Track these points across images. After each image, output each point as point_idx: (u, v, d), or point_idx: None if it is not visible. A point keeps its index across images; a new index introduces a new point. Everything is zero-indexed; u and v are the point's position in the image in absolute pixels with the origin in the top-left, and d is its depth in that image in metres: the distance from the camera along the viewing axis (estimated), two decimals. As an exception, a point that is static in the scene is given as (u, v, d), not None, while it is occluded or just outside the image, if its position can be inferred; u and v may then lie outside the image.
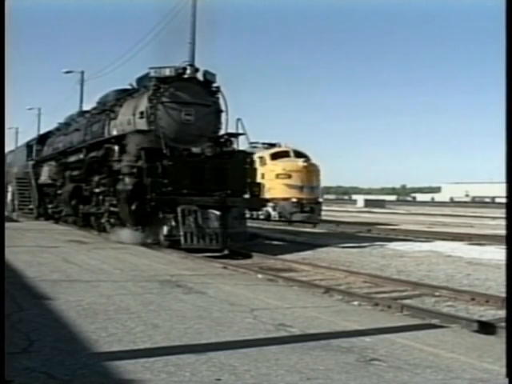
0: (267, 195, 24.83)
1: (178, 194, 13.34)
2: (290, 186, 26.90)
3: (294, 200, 26.52)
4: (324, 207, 30.70)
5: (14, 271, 7.87)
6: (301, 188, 26.94)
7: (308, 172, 27.25)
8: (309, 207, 26.81)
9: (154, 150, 13.69)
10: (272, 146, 30.15)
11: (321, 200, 29.40)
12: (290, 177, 27.00)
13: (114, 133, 15.86)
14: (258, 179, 24.23)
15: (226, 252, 13.37)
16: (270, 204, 25.82)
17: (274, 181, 26.65)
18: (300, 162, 27.26)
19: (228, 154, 14.81)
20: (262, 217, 26.89)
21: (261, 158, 27.10)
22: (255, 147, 32.92)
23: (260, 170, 25.36)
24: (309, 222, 25.72)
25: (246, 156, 15.14)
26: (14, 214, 25.66)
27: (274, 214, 27.55)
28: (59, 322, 4.98)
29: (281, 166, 27.32)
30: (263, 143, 32.93)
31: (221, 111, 14.93)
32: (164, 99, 14.31)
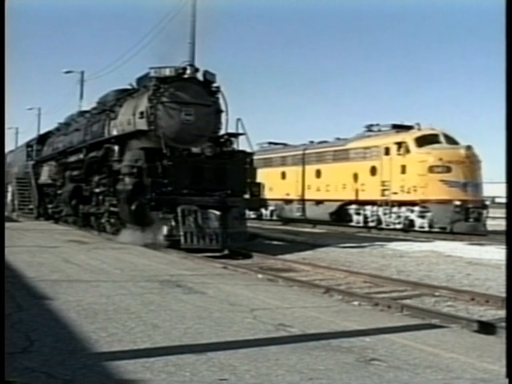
0: (411, 195, 20.71)
1: (178, 194, 13.34)
2: (450, 184, 20.18)
3: (457, 203, 19.75)
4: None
5: (14, 271, 7.86)
6: (464, 186, 20.19)
7: (471, 164, 20.62)
8: (476, 213, 20.07)
9: (154, 150, 13.69)
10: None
11: (487, 202, 22.00)
12: (449, 170, 20.23)
13: (114, 133, 15.86)
14: (396, 174, 21.36)
15: (226, 252, 13.37)
16: (416, 208, 20.75)
17: (426, 176, 20.22)
18: (462, 150, 20.53)
19: (228, 153, 14.81)
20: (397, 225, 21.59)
21: (399, 144, 21.51)
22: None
23: (398, 160, 21.58)
24: (474, 234, 19.46)
25: (246, 156, 15.13)
26: (14, 214, 25.66)
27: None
28: (59, 322, 4.98)
29: (435, 154, 20.45)
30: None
31: (221, 111, 14.92)
32: (164, 99, 14.31)
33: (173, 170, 13.55)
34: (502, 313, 6.73)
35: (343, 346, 4.37)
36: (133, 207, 13.43)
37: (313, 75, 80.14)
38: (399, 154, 21.48)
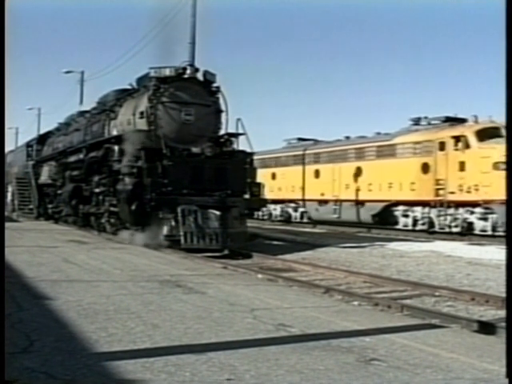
0: (471, 195, 18.78)
1: (178, 194, 13.34)
2: None
3: None
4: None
5: (14, 271, 7.87)
6: None
7: None
8: None
9: (154, 150, 13.69)
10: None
11: None
12: None
13: (114, 133, 15.87)
14: (453, 171, 18.60)
15: (226, 252, 13.37)
16: (478, 209, 18.86)
17: (490, 174, 18.25)
18: None
19: (228, 153, 14.82)
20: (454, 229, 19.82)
21: (456, 138, 19.75)
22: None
23: (455, 156, 19.39)
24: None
25: (246, 156, 15.14)
26: (14, 214, 25.68)
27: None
28: (59, 321, 4.98)
29: (500, 149, 17.16)
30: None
31: (221, 111, 14.93)
32: (164, 99, 14.31)
33: (173, 170, 13.56)
34: (502, 313, 6.72)
35: (343, 345, 4.37)
36: (133, 207, 13.43)
37: (313, 75, 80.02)
38: (457, 150, 19.46)
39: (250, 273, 10.35)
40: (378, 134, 24.46)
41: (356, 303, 7.64)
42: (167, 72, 14.35)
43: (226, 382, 3.45)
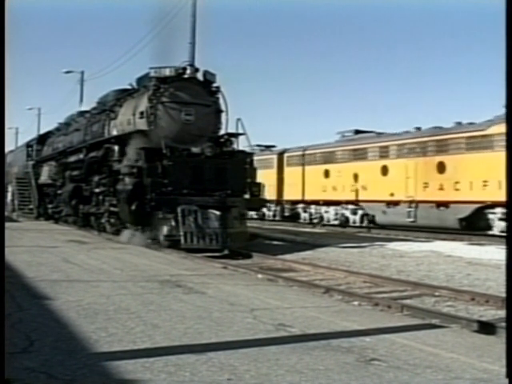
0: None
1: (178, 194, 13.35)
2: None
3: None
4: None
5: (13, 271, 7.87)
6: None
7: None
8: None
9: (154, 150, 13.70)
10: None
11: None
12: None
13: (114, 133, 15.87)
14: None
15: (226, 252, 13.36)
16: None
17: None
18: None
19: (228, 153, 14.82)
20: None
21: None
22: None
23: None
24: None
25: (246, 156, 15.14)
26: (14, 214, 25.68)
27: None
28: (59, 322, 4.98)
29: None
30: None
31: (221, 111, 14.93)
32: (164, 99, 14.32)
33: (173, 170, 13.56)
34: (502, 313, 6.72)
35: (343, 345, 4.37)
36: (133, 207, 13.44)
37: (313, 75, 79.99)
38: None
39: (250, 273, 10.35)
40: (459, 123, 21.22)
41: (356, 303, 7.64)
42: (167, 72, 14.35)
43: (226, 382, 3.44)
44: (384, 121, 76.32)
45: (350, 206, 24.92)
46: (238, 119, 15.21)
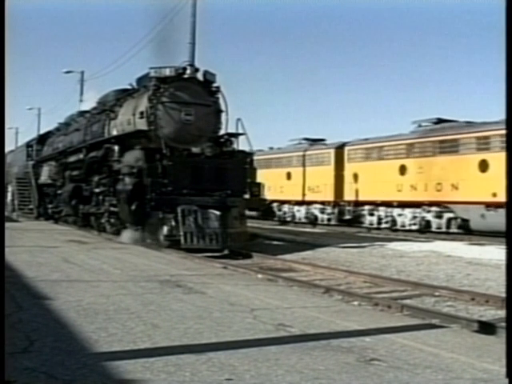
0: None
1: (178, 194, 13.35)
2: None
3: None
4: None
5: (13, 271, 7.86)
6: None
7: None
8: None
9: (154, 150, 13.70)
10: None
11: None
12: None
13: (114, 133, 15.87)
14: None
15: (226, 252, 13.37)
16: None
17: None
18: None
19: (228, 154, 14.82)
20: None
21: None
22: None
23: None
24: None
25: (246, 156, 15.14)
26: (14, 214, 25.68)
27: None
28: (59, 322, 4.97)
29: None
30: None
31: (221, 111, 14.93)
32: (164, 99, 14.31)
33: (173, 170, 13.56)
34: (502, 313, 6.73)
35: (343, 346, 4.37)
36: (133, 207, 13.44)
37: (313, 75, 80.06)
38: None
39: (250, 273, 10.35)
40: None
41: (356, 303, 7.64)
42: (167, 72, 14.35)
43: (226, 382, 3.44)
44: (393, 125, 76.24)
45: (434, 208, 21.29)
46: (238, 119, 15.22)
